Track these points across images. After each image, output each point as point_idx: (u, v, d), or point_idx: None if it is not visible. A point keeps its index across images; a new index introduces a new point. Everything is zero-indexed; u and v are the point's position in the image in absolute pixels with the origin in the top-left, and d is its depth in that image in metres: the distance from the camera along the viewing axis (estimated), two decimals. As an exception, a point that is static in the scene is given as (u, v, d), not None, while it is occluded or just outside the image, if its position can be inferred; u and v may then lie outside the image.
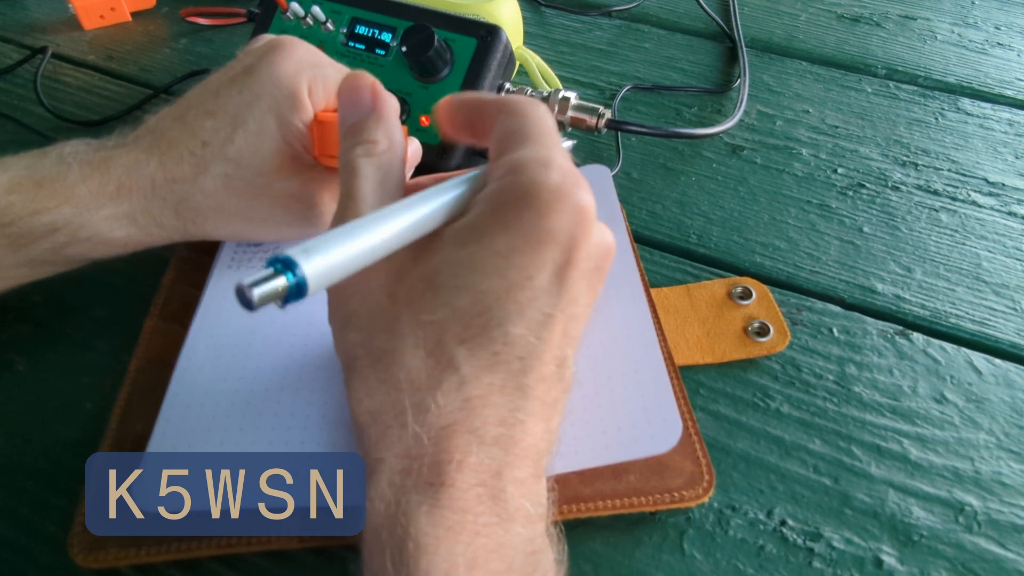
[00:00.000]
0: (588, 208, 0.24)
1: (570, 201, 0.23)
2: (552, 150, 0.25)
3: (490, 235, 0.23)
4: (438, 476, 0.21)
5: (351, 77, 0.29)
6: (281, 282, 0.20)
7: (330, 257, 0.21)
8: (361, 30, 0.43)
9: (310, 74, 0.31)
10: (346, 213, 0.25)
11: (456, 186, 0.25)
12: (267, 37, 0.33)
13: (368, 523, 0.22)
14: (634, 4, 0.63)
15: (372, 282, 0.24)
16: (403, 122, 0.42)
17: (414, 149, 0.35)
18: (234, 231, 0.34)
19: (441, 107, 0.29)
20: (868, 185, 0.45)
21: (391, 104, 0.28)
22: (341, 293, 0.25)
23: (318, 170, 0.34)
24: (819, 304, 0.38)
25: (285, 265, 0.20)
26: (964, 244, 0.41)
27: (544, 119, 0.26)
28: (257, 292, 0.19)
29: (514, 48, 0.45)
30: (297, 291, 0.20)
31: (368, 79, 0.28)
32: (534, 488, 0.23)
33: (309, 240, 0.21)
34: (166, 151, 0.31)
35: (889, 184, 0.45)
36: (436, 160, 0.41)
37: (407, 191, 0.26)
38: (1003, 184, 0.46)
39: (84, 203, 0.30)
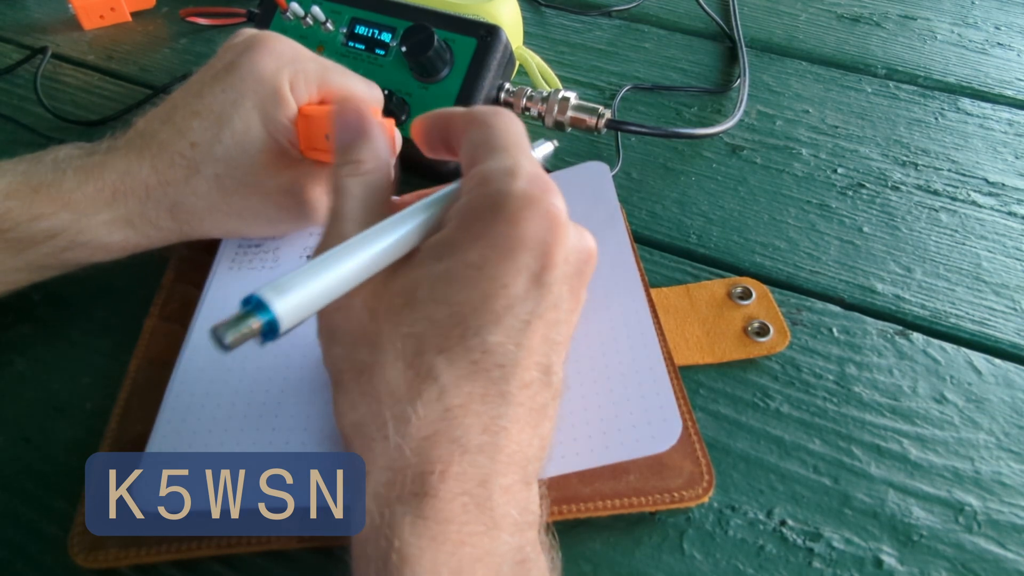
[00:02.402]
0: (559, 213, 0.24)
1: (539, 207, 0.23)
2: (518, 158, 0.25)
3: (463, 248, 0.23)
4: (422, 486, 0.21)
5: (344, 102, 0.29)
6: (254, 322, 0.20)
7: (300, 295, 0.21)
8: (361, 30, 0.43)
9: (291, 69, 0.32)
10: (331, 232, 0.25)
11: (429, 206, 0.26)
12: (247, 32, 0.33)
13: (355, 535, 0.22)
14: (634, 4, 0.63)
15: (354, 299, 0.24)
16: (403, 123, 0.42)
17: (396, 140, 0.35)
18: (230, 229, 0.34)
19: (415, 127, 0.29)
20: (868, 185, 0.45)
21: (378, 127, 0.29)
22: (326, 310, 0.25)
23: (306, 164, 0.34)
24: (819, 304, 0.38)
25: (257, 305, 0.20)
26: (964, 244, 0.41)
27: (508, 128, 0.26)
28: (230, 334, 0.19)
29: (514, 48, 0.45)
30: (270, 330, 0.20)
31: (359, 104, 0.29)
32: (522, 495, 0.23)
33: (281, 278, 0.21)
34: (157, 154, 0.31)
35: (889, 184, 0.45)
36: (436, 162, 0.41)
37: (393, 208, 0.26)
38: (1003, 184, 0.46)
39: (81, 208, 0.30)
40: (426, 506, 0.21)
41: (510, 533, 0.22)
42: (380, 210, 0.26)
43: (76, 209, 0.30)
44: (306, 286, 0.21)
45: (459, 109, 0.28)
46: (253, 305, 0.20)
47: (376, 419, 0.23)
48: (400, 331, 0.23)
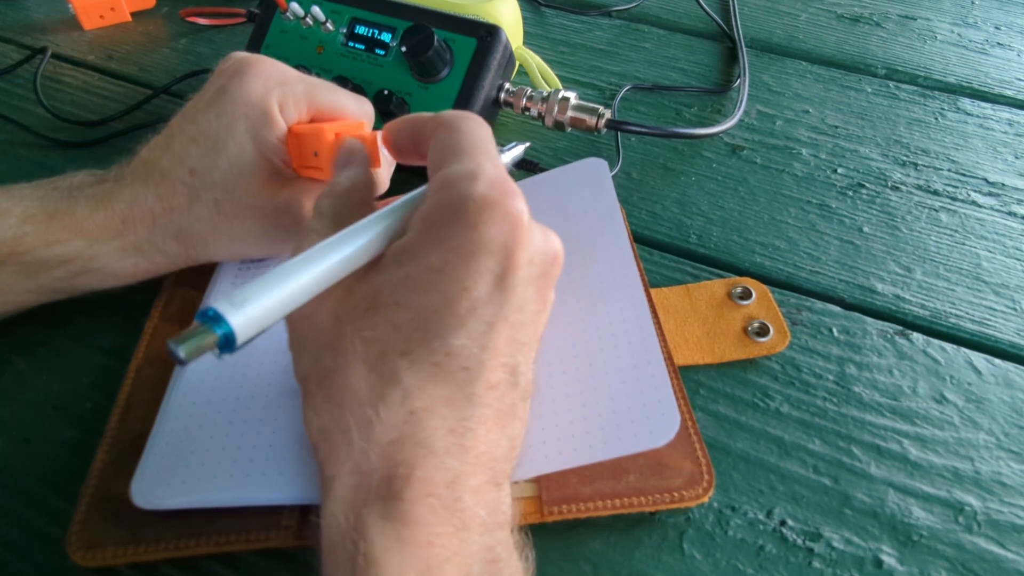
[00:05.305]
0: (520, 215, 0.24)
1: (499, 210, 0.23)
2: (480, 161, 0.25)
3: (424, 253, 0.23)
4: (388, 490, 0.21)
5: (347, 143, 0.30)
6: (210, 336, 0.20)
7: (256, 307, 0.21)
8: (361, 30, 0.43)
9: (280, 91, 0.32)
10: (296, 247, 0.26)
11: (392, 211, 0.26)
12: (236, 56, 0.34)
13: (324, 540, 0.22)
14: (634, 4, 0.63)
15: (320, 306, 0.24)
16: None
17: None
18: (234, 252, 0.35)
19: (385, 133, 0.30)
20: (868, 185, 0.45)
21: (358, 150, 0.30)
22: (294, 319, 0.25)
23: (301, 182, 0.35)
24: (819, 304, 0.38)
25: (213, 318, 0.20)
26: (964, 244, 0.41)
27: (474, 131, 0.26)
28: (185, 348, 0.19)
29: (514, 48, 0.45)
30: (226, 343, 0.20)
31: (358, 145, 0.30)
32: (491, 495, 0.23)
33: (238, 291, 0.21)
34: (160, 182, 0.32)
35: (889, 184, 0.45)
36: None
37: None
38: (1003, 184, 0.46)
39: (94, 236, 0.31)
40: (392, 509, 0.21)
41: (479, 533, 0.22)
42: (351, 223, 0.26)
43: (89, 236, 0.31)
44: (262, 299, 0.21)
45: (428, 114, 0.28)
46: (210, 318, 0.20)
47: (340, 424, 0.23)
48: (362, 335, 0.23)
